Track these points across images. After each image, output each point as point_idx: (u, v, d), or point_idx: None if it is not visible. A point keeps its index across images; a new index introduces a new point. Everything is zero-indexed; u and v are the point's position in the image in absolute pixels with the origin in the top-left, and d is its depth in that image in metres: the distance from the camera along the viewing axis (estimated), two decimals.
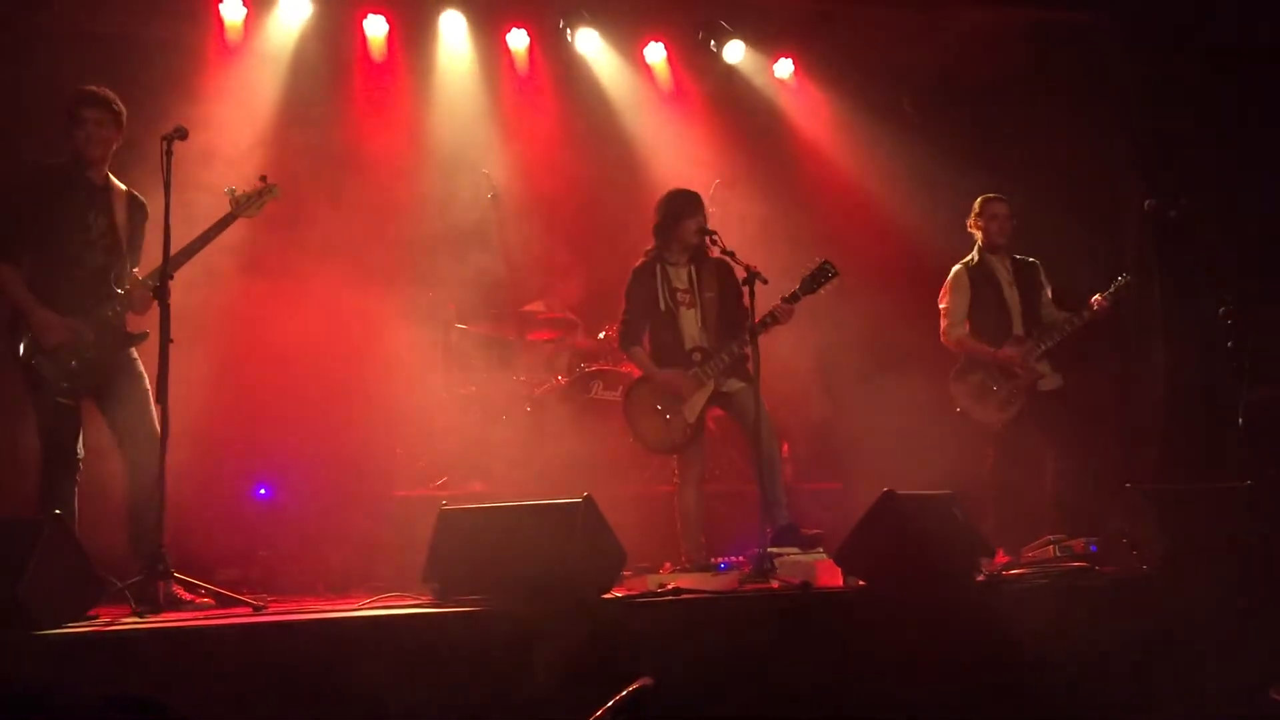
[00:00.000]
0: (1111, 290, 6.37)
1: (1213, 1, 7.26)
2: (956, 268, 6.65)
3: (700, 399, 5.93)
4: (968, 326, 6.54)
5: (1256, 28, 7.08)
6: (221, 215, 5.14)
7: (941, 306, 6.62)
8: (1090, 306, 6.39)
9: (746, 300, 5.52)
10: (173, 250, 4.88)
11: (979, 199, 6.64)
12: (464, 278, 7.35)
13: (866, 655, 4.42)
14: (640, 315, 6.06)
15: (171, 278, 4.83)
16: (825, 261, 5.89)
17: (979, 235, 6.62)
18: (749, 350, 5.65)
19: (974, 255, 6.64)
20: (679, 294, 6.04)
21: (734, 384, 5.93)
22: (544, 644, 3.96)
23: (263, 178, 5.25)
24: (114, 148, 5.16)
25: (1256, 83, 7.18)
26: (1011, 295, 6.54)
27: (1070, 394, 6.55)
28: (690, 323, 6.02)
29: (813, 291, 5.86)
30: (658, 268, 6.05)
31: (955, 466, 6.43)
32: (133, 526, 4.98)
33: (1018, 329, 6.48)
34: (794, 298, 5.83)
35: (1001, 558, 5.72)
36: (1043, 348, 6.41)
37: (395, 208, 7.30)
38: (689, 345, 5.99)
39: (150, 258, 5.11)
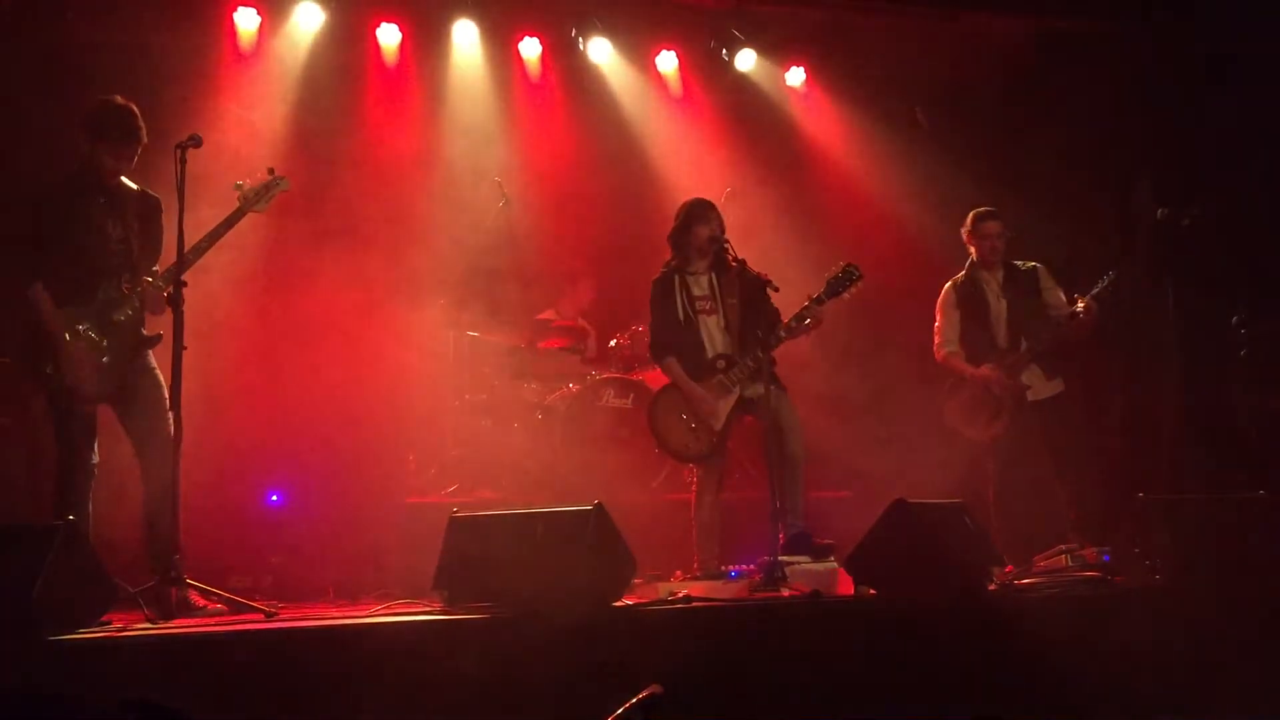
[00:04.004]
0: (1095, 291, 6.25)
1: (1221, 9, 7.24)
2: (946, 286, 6.61)
3: (726, 407, 5.88)
4: (958, 345, 6.52)
5: (1264, 34, 7.07)
6: (230, 211, 5.12)
7: (935, 325, 6.62)
8: (1075, 310, 6.25)
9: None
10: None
11: (971, 214, 6.57)
12: (476, 285, 7.37)
13: (877, 665, 4.41)
14: (668, 325, 6.00)
15: (185, 284, 4.85)
16: (849, 265, 5.85)
17: (972, 251, 6.57)
18: (773, 355, 5.70)
19: (964, 271, 6.60)
20: (699, 301, 6.00)
21: (759, 389, 5.88)
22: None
23: (270, 170, 5.23)
24: None
25: (1267, 90, 7.15)
26: (999, 307, 6.46)
27: (1082, 403, 6.47)
28: (713, 330, 5.98)
29: (837, 295, 5.81)
30: (675, 279, 6.02)
31: (967, 476, 6.43)
32: (150, 531, 4.98)
33: (1000, 341, 6.42)
34: (819, 300, 5.79)
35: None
36: (1029, 357, 6.32)
37: (407, 215, 7.32)
38: (711, 353, 5.95)
39: (166, 260, 5.13)
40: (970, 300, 6.53)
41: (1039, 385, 6.35)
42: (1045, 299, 6.47)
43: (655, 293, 6.08)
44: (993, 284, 6.52)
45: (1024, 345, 6.36)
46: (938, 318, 6.62)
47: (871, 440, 7.28)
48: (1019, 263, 6.56)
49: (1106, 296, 6.27)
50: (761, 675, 4.26)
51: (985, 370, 6.36)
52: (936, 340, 6.60)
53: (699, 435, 5.91)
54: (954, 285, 6.61)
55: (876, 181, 8.17)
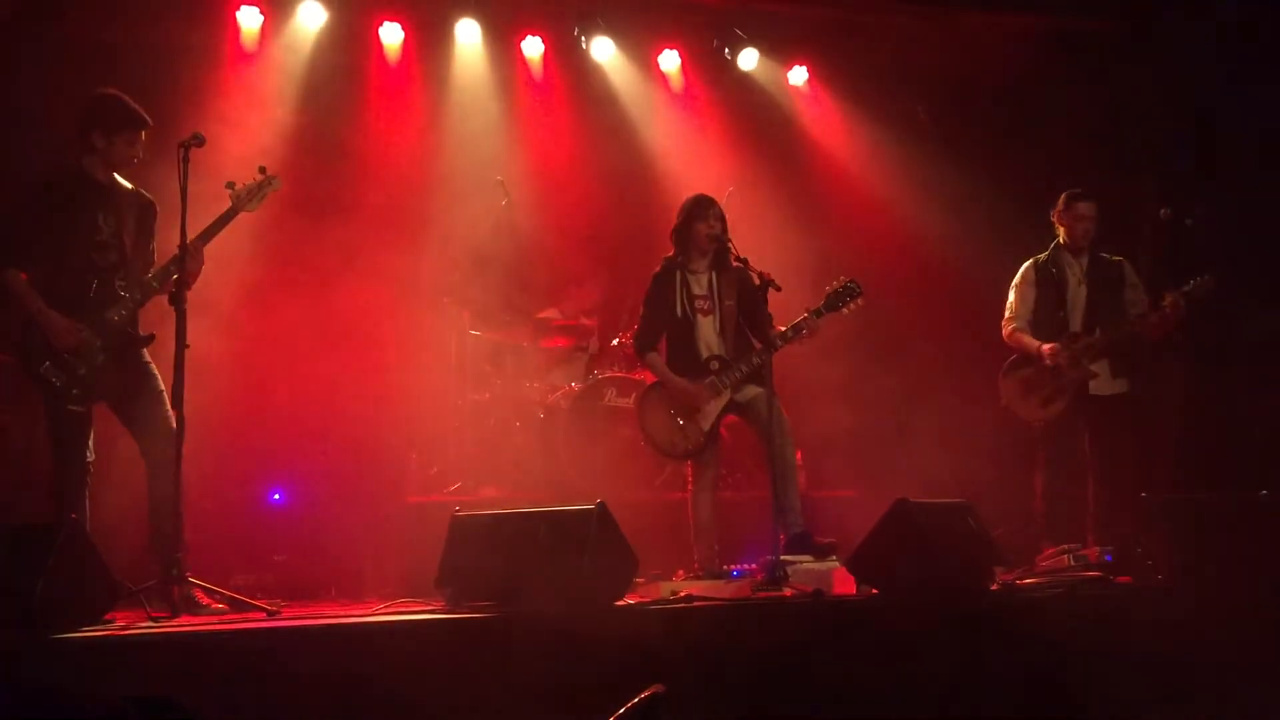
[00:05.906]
0: (1187, 288, 6.04)
1: (1225, 8, 7.23)
2: (1026, 264, 6.50)
3: (715, 408, 5.90)
4: (1027, 322, 6.41)
5: (1269, 34, 7.05)
6: (223, 211, 5.10)
7: (1008, 301, 6.51)
8: (1160, 307, 6.07)
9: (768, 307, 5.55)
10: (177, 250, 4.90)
11: (1064, 194, 6.41)
12: (478, 284, 7.37)
13: (879, 664, 4.41)
14: (656, 321, 6.04)
15: (190, 286, 4.86)
16: (851, 281, 5.84)
17: (1061, 232, 6.44)
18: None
19: (1048, 251, 6.47)
20: (698, 300, 6.01)
21: (750, 390, 5.91)
22: None
23: (262, 169, 5.19)
24: None
25: (1271, 89, 7.15)
26: (1078, 293, 6.34)
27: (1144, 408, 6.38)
28: (708, 330, 5.98)
29: (835, 309, 5.81)
30: (677, 274, 6.03)
31: (971, 476, 6.43)
32: (155, 528, 4.97)
33: (1075, 325, 6.29)
34: (818, 314, 5.80)
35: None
36: (1103, 346, 6.18)
37: (410, 214, 7.32)
38: (705, 354, 5.95)
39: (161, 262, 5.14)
40: (1050, 281, 6.40)
41: (1103, 379, 6.23)
42: (1126, 294, 6.36)
43: (653, 287, 6.08)
44: (1076, 268, 6.40)
45: (1098, 333, 6.22)
46: (1012, 294, 6.49)
47: (878, 440, 7.28)
48: (1106, 254, 6.46)
49: (1198, 297, 6.07)
50: (763, 675, 4.26)
51: (1052, 346, 6.23)
52: (1006, 315, 6.48)
53: (686, 433, 5.91)
54: (1034, 264, 6.48)
55: (879, 180, 8.16)
